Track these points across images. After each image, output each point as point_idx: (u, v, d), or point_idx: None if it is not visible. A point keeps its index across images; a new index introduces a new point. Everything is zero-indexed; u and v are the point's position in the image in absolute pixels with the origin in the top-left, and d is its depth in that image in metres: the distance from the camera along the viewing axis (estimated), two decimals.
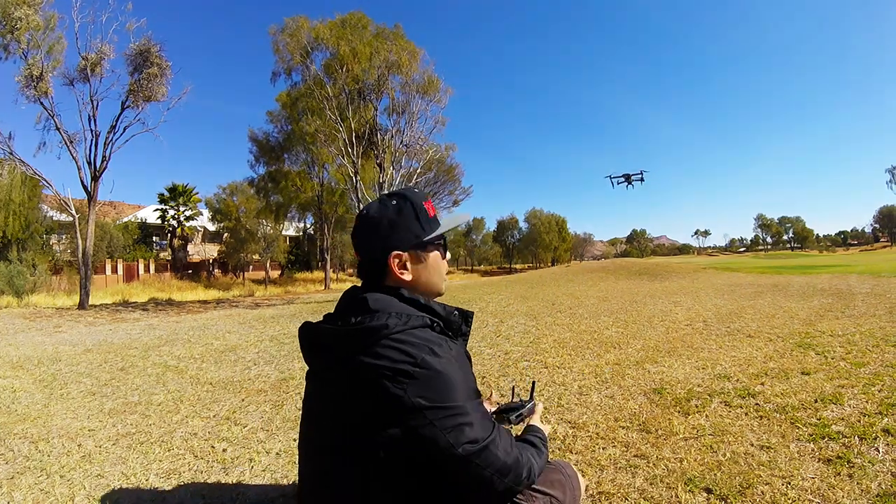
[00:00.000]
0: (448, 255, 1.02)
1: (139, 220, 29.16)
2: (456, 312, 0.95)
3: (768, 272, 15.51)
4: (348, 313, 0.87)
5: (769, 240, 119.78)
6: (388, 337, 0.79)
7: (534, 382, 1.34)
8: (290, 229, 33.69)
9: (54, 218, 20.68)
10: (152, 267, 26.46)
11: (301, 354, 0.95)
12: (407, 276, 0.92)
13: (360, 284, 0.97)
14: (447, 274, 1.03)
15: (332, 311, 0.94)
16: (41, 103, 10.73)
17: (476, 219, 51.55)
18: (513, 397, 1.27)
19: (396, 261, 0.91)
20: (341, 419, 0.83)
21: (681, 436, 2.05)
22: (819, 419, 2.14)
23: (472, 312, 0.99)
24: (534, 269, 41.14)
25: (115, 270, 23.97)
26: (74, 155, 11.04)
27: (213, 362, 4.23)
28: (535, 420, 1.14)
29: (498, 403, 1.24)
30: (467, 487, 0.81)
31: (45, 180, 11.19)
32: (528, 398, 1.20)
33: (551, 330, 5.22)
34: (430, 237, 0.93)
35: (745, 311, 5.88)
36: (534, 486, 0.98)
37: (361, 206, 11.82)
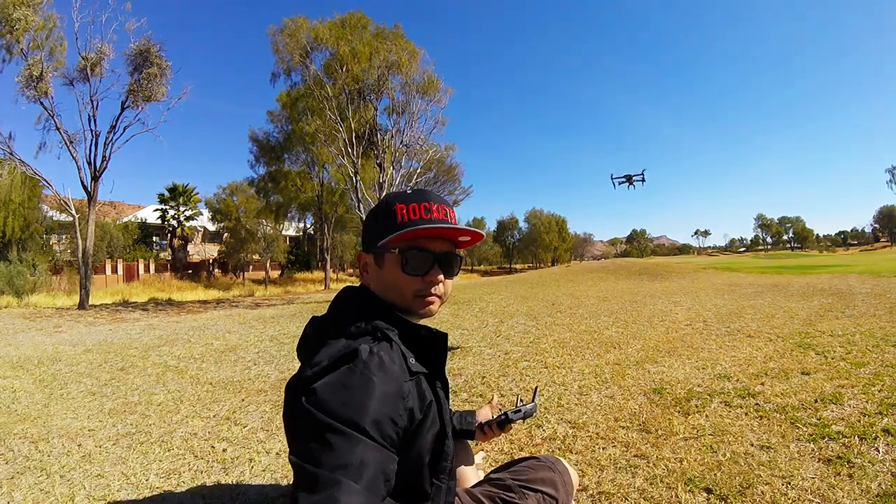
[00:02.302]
0: (438, 273, 0.84)
1: (139, 220, 29.16)
2: (423, 330, 0.83)
3: (768, 272, 15.51)
4: (328, 312, 0.89)
5: (769, 240, 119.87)
6: (326, 340, 0.76)
7: (536, 388, 1.32)
8: (290, 229, 33.70)
9: (54, 218, 20.68)
10: (152, 267, 26.46)
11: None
12: (366, 278, 0.89)
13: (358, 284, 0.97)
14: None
15: None
16: (41, 103, 10.74)
17: (476, 219, 51.64)
18: (517, 404, 1.26)
19: (361, 261, 0.90)
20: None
21: (681, 436, 2.05)
22: (819, 419, 2.14)
23: (445, 334, 0.86)
24: (534, 269, 41.15)
25: (115, 270, 23.98)
26: (74, 155, 11.05)
27: (213, 362, 4.22)
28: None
29: (500, 407, 1.23)
30: None
31: (45, 180, 11.19)
32: (530, 401, 1.19)
33: (551, 330, 5.22)
34: (382, 242, 0.82)
35: (745, 311, 5.88)
36: (527, 484, 0.98)
37: (361, 206, 11.72)
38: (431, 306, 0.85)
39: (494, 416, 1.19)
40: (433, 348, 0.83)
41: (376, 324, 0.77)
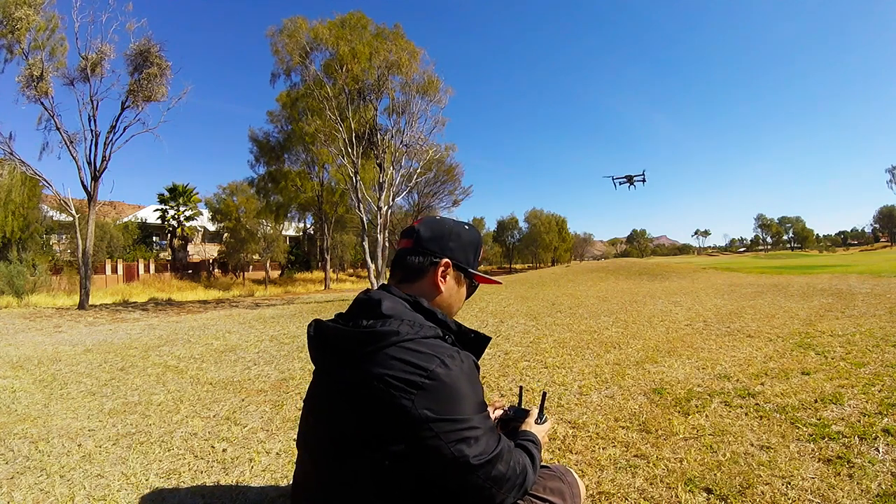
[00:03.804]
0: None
1: (139, 220, 29.15)
2: (472, 335, 0.95)
3: (768, 272, 15.52)
4: (360, 316, 0.86)
5: (769, 240, 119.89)
6: (397, 344, 0.78)
7: (544, 393, 1.27)
8: (290, 229, 33.68)
9: (54, 218, 20.67)
10: (152, 267, 26.44)
11: (302, 354, 0.95)
12: (442, 286, 0.95)
13: (374, 283, 0.97)
14: None
15: (332, 311, 0.94)
16: (41, 103, 10.74)
17: (476, 219, 51.50)
18: (520, 399, 1.24)
19: (443, 268, 0.95)
20: (345, 423, 0.81)
21: (681, 436, 2.05)
22: (819, 419, 2.14)
23: (490, 338, 0.99)
24: (534, 269, 41.12)
25: (115, 270, 23.96)
26: (74, 155, 11.04)
27: (213, 362, 4.22)
28: (531, 425, 1.09)
29: (503, 408, 1.22)
30: (467, 499, 0.80)
31: (45, 180, 11.18)
32: (538, 409, 1.15)
33: (551, 330, 5.22)
34: (473, 272, 1.01)
35: (745, 311, 5.88)
36: (534, 493, 0.97)
37: (361, 206, 11.69)
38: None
39: (496, 416, 1.18)
40: (474, 348, 0.94)
41: (434, 325, 0.88)
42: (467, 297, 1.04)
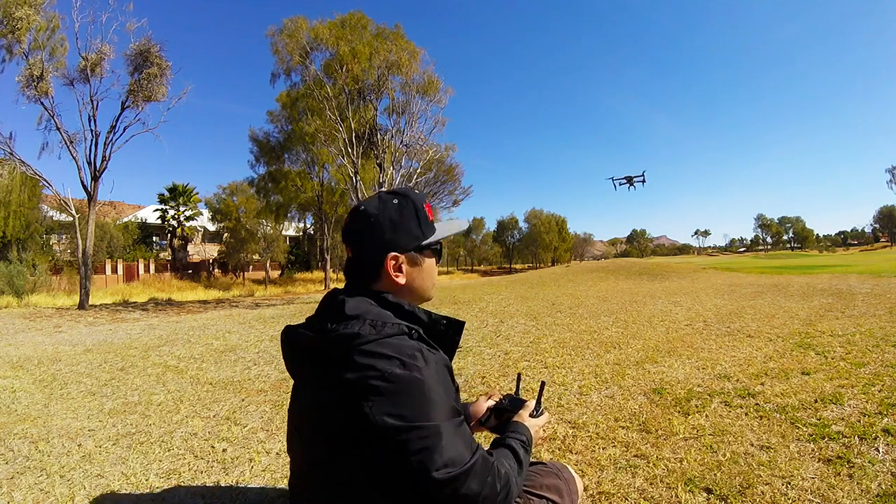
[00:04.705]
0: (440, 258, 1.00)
1: (139, 220, 29.17)
2: (444, 322, 0.88)
3: (768, 272, 15.52)
4: (326, 318, 0.83)
5: (769, 240, 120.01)
6: (357, 347, 0.73)
7: (542, 383, 1.17)
8: (290, 229, 33.70)
9: (54, 218, 20.69)
10: (152, 267, 26.45)
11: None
12: (401, 280, 0.87)
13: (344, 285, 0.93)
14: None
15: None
16: (41, 103, 10.75)
17: (476, 219, 51.53)
18: (518, 387, 1.20)
19: (393, 262, 0.86)
20: (318, 430, 0.79)
21: (681, 436, 2.05)
22: (819, 419, 2.14)
23: (463, 322, 0.91)
24: (534, 269, 41.12)
25: (115, 270, 23.97)
26: (74, 155, 11.04)
27: (213, 362, 4.22)
28: (524, 418, 1.01)
29: (501, 394, 1.16)
30: None
31: (45, 180, 11.19)
32: (535, 401, 1.08)
33: (551, 330, 5.22)
34: (428, 241, 0.89)
35: (745, 311, 5.88)
36: (531, 490, 0.96)
37: None
38: None
39: (492, 405, 1.13)
40: (447, 337, 0.88)
41: (399, 321, 0.81)
42: (438, 262, 0.97)
